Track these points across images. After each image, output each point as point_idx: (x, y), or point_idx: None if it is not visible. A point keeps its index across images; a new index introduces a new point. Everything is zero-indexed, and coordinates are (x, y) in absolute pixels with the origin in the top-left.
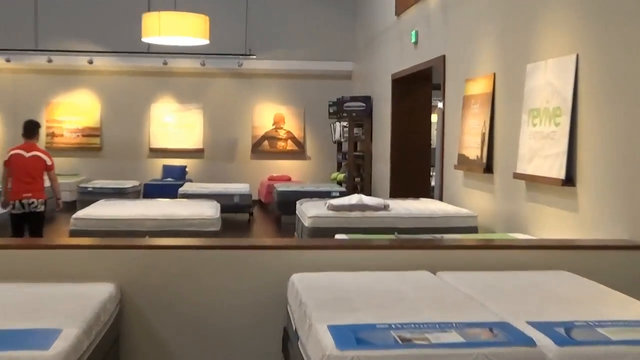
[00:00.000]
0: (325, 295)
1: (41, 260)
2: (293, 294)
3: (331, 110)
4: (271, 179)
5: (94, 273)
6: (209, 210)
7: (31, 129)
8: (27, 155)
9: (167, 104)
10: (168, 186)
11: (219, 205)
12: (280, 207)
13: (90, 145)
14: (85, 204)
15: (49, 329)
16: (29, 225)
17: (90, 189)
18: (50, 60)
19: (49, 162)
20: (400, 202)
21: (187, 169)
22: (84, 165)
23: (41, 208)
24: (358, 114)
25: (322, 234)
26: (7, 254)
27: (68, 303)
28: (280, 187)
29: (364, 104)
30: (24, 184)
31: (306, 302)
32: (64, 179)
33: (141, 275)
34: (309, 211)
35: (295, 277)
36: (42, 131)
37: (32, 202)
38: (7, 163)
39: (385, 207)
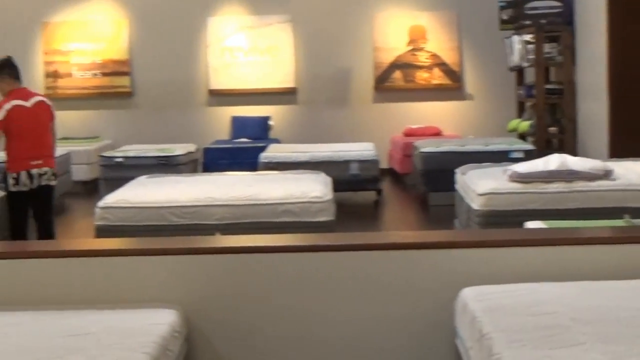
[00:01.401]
0: (523, 323)
1: (64, 276)
2: (466, 320)
3: (505, 16)
4: (409, 133)
5: (145, 294)
6: (315, 188)
7: (17, 67)
8: (29, 104)
9: (234, 17)
10: (242, 150)
11: (329, 179)
12: (427, 179)
13: (115, 89)
14: (113, 183)
15: None
16: (35, 210)
17: (119, 160)
18: None
19: (53, 110)
20: (630, 166)
21: (270, 122)
22: (106, 123)
23: (54, 181)
24: (550, 20)
25: (502, 221)
26: (14, 265)
27: (108, 345)
28: (426, 146)
29: (560, 3)
30: (30, 148)
31: (492, 335)
32: (76, 144)
33: (215, 294)
34: (479, 185)
35: (468, 293)
36: (38, 69)
37: (45, 173)
38: (3, 122)
39: (607, 175)
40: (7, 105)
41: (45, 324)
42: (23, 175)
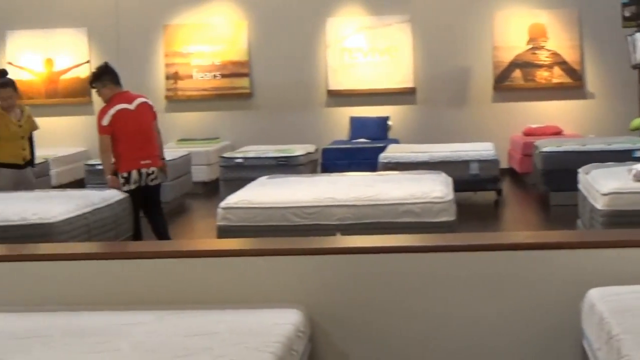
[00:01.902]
0: None
1: (186, 276)
2: (593, 322)
3: (627, 14)
4: (529, 132)
5: (268, 294)
6: (437, 189)
7: (116, 72)
8: (133, 107)
9: (353, 18)
10: (361, 151)
11: (450, 179)
12: (548, 179)
13: (234, 91)
14: (233, 183)
15: None
16: (145, 210)
17: (239, 161)
18: None
19: (154, 110)
20: None
21: (389, 122)
22: (226, 124)
23: (159, 180)
24: None
25: (626, 221)
26: (137, 265)
27: (233, 345)
28: (547, 145)
29: None
30: (138, 148)
31: (621, 337)
32: (196, 145)
33: (337, 294)
34: (603, 184)
35: (595, 294)
36: (159, 71)
37: (152, 172)
38: (109, 127)
39: None
40: (112, 110)
41: (169, 324)
42: (134, 174)
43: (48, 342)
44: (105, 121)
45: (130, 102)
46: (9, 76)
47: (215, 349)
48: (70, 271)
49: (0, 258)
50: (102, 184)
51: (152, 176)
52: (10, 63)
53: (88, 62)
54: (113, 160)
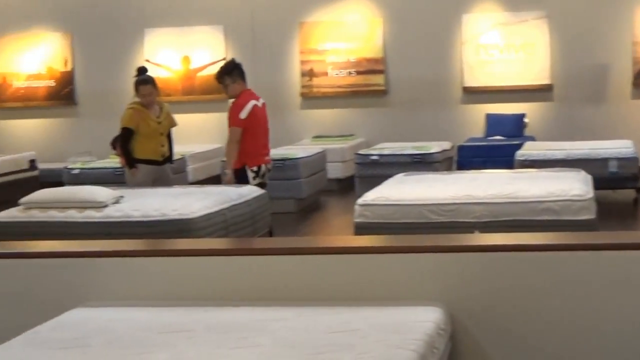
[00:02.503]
0: None
1: (324, 273)
2: None
3: None
4: None
5: (407, 291)
6: (576, 186)
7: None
8: (260, 104)
9: (489, 14)
10: (497, 148)
11: (589, 177)
12: None
13: (369, 88)
14: (368, 180)
15: None
16: None
17: (374, 158)
18: None
19: None
20: None
21: (525, 120)
22: (361, 121)
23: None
24: None
25: None
26: (275, 262)
27: (374, 341)
28: None
29: None
30: (264, 145)
31: None
32: (331, 142)
33: (477, 292)
34: None
35: None
36: (295, 68)
37: (270, 169)
38: (245, 121)
39: None
40: (249, 105)
41: (309, 320)
42: (262, 168)
43: (191, 336)
44: (244, 114)
45: (257, 99)
46: (147, 74)
47: (356, 346)
48: (209, 267)
49: (141, 253)
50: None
51: (269, 173)
52: (148, 60)
53: (224, 59)
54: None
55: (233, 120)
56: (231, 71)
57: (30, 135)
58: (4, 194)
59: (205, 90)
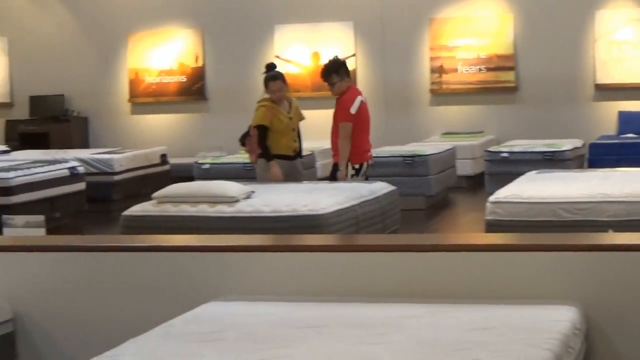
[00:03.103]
0: None
1: (456, 270)
2: None
3: None
4: None
5: (541, 289)
6: None
7: None
8: (364, 99)
9: (623, 10)
10: (629, 146)
11: None
12: None
13: (499, 84)
14: (498, 177)
15: None
16: None
17: (505, 155)
18: None
19: None
20: None
21: None
22: (490, 118)
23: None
24: None
25: None
26: (406, 258)
27: (509, 340)
28: None
29: None
30: (367, 141)
31: None
32: (461, 139)
33: (614, 292)
34: None
35: None
36: (424, 65)
37: (371, 165)
38: (356, 115)
39: None
40: (357, 100)
41: (443, 317)
42: (364, 166)
43: (324, 332)
44: (354, 109)
45: (361, 94)
46: (277, 69)
47: (490, 344)
48: (340, 263)
49: (273, 248)
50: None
51: (370, 170)
52: (277, 56)
53: (354, 55)
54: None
55: (343, 115)
56: (338, 69)
57: (161, 130)
58: (135, 188)
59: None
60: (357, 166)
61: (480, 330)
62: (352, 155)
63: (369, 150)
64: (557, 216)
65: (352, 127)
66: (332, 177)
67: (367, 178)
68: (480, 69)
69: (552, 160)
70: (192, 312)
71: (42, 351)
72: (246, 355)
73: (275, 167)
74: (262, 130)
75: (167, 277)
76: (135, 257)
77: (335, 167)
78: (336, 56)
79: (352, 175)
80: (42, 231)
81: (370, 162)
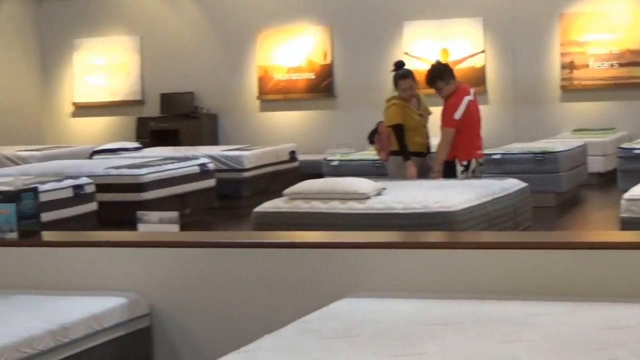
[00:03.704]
0: None
1: (591, 268)
2: None
3: None
4: None
5: None
6: None
7: None
8: (473, 97)
9: None
10: None
11: None
12: None
13: (631, 80)
14: (631, 174)
15: None
16: None
17: (638, 152)
18: None
19: None
20: None
21: None
22: (623, 114)
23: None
24: None
25: None
26: (535, 255)
27: None
28: None
29: None
30: (477, 137)
31: None
32: (592, 136)
33: None
34: None
35: None
36: (554, 60)
37: (481, 164)
38: (459, 121)
39: None
40: (463, 105)
41: (580, 316)
42: (473, 163)
43: (459, 329)
44: (458, 115)
45: (469, 93)
46: (406, 67)
47: (630, 343)
48: (471, 260)
49: (403, 245)
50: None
51: (479, 168)
52: (406, 53)
53: (483, 52)
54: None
55: (447, 121)
56: (443, 74)
57: (289, 127)
58: (264, 184)
59: (465, 82)
60: (465, 163)
61: (618, 329)
62: (460, 152)
63: (479, 148)
64: None
65: (454, 132)
66: (446, 174)
67: (480, 175)
68: (612, 65)
69: None
70: (327, 309)
71: (177, 345)
72: (381, 352)
73: (412, 165)
74: (398, 129)
75: (300, 274)
76: (269, 254)
77: (446, 164)
78: (438, 61)
79: (462, 172)
80: (175, 227)
81: (480, 160)
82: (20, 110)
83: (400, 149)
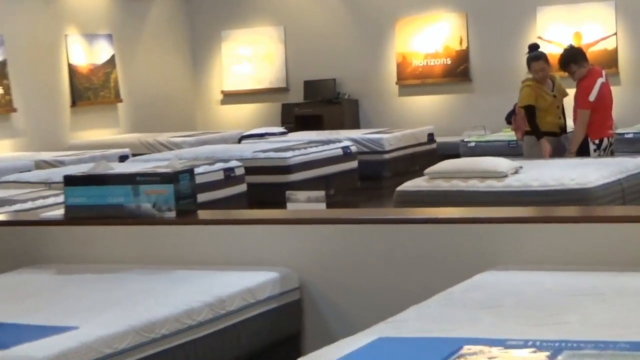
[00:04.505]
0: None
1: None
2: None
3: None
4: None
5: None
6: None
7: None
8: (605, 79)
9: None
10: None
11: None
12: None
13: None
14: None
15: None
16: None
17: None
18: None
19: None
20: None
21: None
22: None
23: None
24: None
25: None
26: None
27: None
28: None
29: None
30: (609, 117)
31: None
32: None
33: None
34: None
35: None
36: None
37: (611, 143)
38: (595, 102)
39: None
40: (596, 87)
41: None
42: (605, 142)
43: (601, 300)
44: (592, 97)
45: (601, 75)
46: (539, 50)
47: None
48: (610, 233)
49: (541, 220)
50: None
51: (611, 147)
52: (539, 37)
53: (615, 34)
54: None
55: (582, 103)
56: (575, 57)
57: (427, 111)
58: (404, 165)
59: (597, 65)
60: (597, 141)
61: None
62: (592, 131)
63: (610, 127)
64: None
65: (589, 114)
66: (579, 153)
67: (612, 153)
68: None
69: None
70: (470, 281)
71: (326, 316)
72: (524, 321)
73: (546, 143)
74: (529, 110)
75: (443, 248)
76: (413, 229)
77: (582, 144)
78: (571, 44)
79: (595, 150)
80: (322, 206)
81: (611, 139)
82: (172, 99)
83: (531, 128)
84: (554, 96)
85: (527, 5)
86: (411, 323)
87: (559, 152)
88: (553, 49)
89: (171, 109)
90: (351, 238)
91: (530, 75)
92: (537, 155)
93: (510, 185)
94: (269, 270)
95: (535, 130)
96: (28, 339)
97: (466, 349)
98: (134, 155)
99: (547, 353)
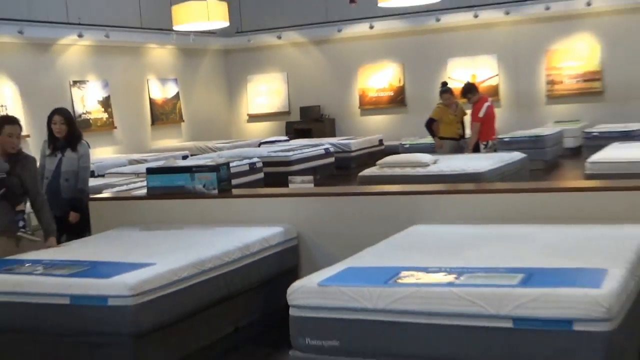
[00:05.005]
0: None
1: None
2: None
3: None
4: None
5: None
6: None
7: None
8: (490, 103)
9: None
10: None
11: None
12: None
13: (590, 90)
14: (591, 149)
15: (596, 268)
16: None
17: (595, 134)
18: (547, 8)
19: None
20: None
21: None
22: (584, 111)
23: None
24: None
25: None
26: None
27: (609, 245)
28: None
29: None
30: (493, 129)
31: None
32: (565, 125)
33: None
34: None
35: None
36: (542, 79)
37: (495, 144)
38: (483, 118)
39: None
40: (484, 107)
41: (557, 233)
42: (490, 143)
43: (486, 242)
44: (482, 114)
45: (488, 100)
46: (448, 85)
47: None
48: (496, 200)
49: (449, 192)
50: (506, 150)
51: (495, 146)
52: (449, 77)
53: (497, 75)
54: None
55: (475, 118)
56: (471, 89)
57: (379, 125)
58: (364, 160)
59: (486, 94)
60: (485, 143)
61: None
62: (481, 136)
63: (494, 134)
64: (632, 170)
65: (479, 125)
66: (474, 151)
67: (495, 150)
68: (578, 81)
69: (627, 137)
70: (405, 231)
71: (315, 256)
72: (439, 256)
73: (440, 142)
74: (431, 121)
75: (388, 211)
76: (369, 199)
77: (475, 145)
78: (468, 81)
79: (484, 148)
80: (311, 185)
81: (494, 141)
82: (216, 119)
83: (429, 133)
84: (455, 115)
85: (442, 56)
86: (368, 258)
87: (459, 150)
88: (458, 85)
89: (215, 126)
90: (330, 205)
91: (441, 101)
92: (445, 152)
93: (431, 171)
94: (277, 226)
95: (432, 134)
96: (123, 271)
97: (402, 274)
98: (191, 155)
99: (454, 275)
